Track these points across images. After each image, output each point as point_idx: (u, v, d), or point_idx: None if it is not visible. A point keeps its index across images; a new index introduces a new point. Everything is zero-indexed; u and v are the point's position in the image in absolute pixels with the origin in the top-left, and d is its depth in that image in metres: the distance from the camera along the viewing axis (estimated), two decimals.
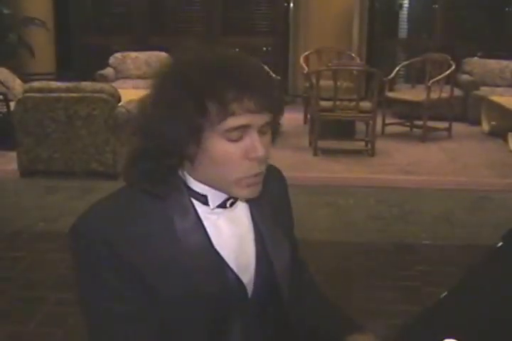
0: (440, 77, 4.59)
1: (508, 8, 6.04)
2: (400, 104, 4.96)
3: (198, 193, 0.77)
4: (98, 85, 3.59)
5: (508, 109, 4.34)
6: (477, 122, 4.99)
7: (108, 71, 5.59)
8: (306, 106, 4.97)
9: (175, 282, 0.74)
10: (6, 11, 5.40)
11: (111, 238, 0.73)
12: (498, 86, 5.37)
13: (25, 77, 4.94)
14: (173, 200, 0.75)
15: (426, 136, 4.62)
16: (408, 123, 4.92)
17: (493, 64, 5.47)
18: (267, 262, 0.81)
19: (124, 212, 0.76)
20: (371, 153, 4.21)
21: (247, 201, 0.82)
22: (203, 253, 0.75)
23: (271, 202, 0.84)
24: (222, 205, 0.78)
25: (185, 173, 0.76)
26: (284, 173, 0.93)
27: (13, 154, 3.63)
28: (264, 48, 6.12)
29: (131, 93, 4.47)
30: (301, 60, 5.09)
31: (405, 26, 6.19)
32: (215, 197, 0.77)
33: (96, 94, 3.47)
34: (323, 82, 4.12)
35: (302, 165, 3.84)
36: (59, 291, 2.24)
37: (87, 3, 6.21)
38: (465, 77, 5.37)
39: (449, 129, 4.75)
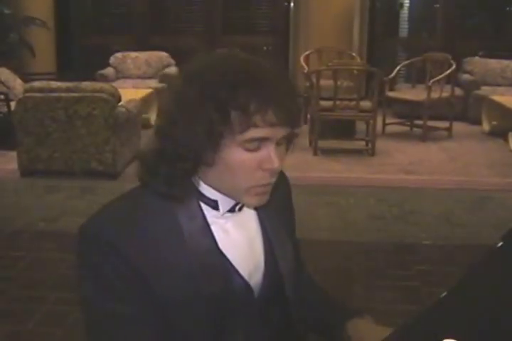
0: (441, 76, 4.58)
1: (509, 7, 6.03)
2: (401, 103, 4.95)
3: (208, 198, 0.77)
4: (98, 85, 3.59)
5: (509, 108, 4.33)
6: (478, 122, 4.98)
7: (108, 71, 5.60)
8: (306, 105, 4.97)
9: (179, 284, 0.74)
10: (6, 11, 5.40)
11: (118, 240, 0.73)
12: (499, 85, 5.36)
13: (26, 77, 4.94)
14: (183, 203, 0.76)
15: (426, 136, 4.62)
16: (408, 123, 4.92)
17: (494, 63, 5.46)
18: (274, 263, 0.83)
19: (134, 214, 0.76)
20: (371, 152, 4.20)
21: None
22: (209, 257, 0.76)
23: (275, 203, 0.84)
24: (232, 210, 0.79)
25: (198, 178, 0.77)
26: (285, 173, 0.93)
27: (14, 154, 3.63)
28: (265, 48, 6.12)
29: (131, 93, 4.48)
30: (302, 60, 5.09)
31: (406, 26, 6.18)
32: (225, 202, 0.78)
33: (96, 94, 3.47)
34: (323, 82, 4.12)
35: (302, 165, 3.83)
36: (58, 291, 2.24)
37: (87, 3, 6.22)
38: (466, 76, 5.36)
39: (449, 129, 4.74)
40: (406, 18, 6.16)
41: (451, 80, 4.68)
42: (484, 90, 5.18)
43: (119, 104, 3.60)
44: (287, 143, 0.78)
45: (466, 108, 5.18)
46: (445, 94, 4.65)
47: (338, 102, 4.08)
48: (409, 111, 4.89)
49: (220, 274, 0.77)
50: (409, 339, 0.67)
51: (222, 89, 0.69)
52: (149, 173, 0.76)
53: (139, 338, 0.74)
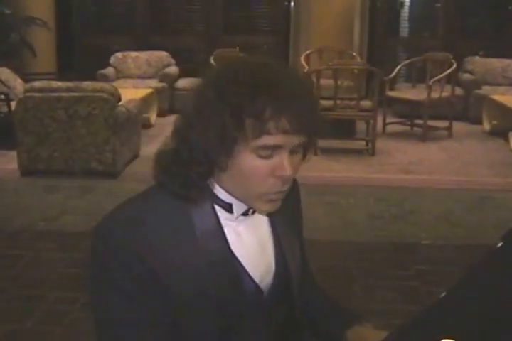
0: (441, 76, 4.58)
1: (510, 6, 6.02)
2: (401, 103, 4.95)
3: (223, 201, 0.78)
4: (98, 85, 3.59)
5: (510, 108, 4.32)
6: (478, 121, 4.97)
7: (109, 70, 5.60)
8: None
9: (189, 284, 0.75)
10: (7, 11, 5.40)
11: (130, 240, 0.74)
12: (499, 85, 5.35)
13: (27, 77, 4.95)
14: (197, 205, 0.77)
15: (426, 136, 4.61)
16: (409, 123, 4.92)
17: (495, 63, 5.45)
18: (284, 266, 0.84)
19: (147, 214, 0.76)
20: (371, 152, 4.20)
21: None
22: (220, 258, 0.77)
23: (287, 207, 0.85)
24: (245, 213, 0.80)
25: (213, 181, 0.78)
26: None
27: (14, 153, 3.64)
28: (265, 47, 6.11)
29: (131, 92, 4.48)
30: (302, 59, 5.09)
31: (406, 25, 6.17)
32: (239, 205, 0.79)
33: (96, 94, 3.47)
34: (323, 81, 4.11)
35: (302, 165, 3.82)
36: (58, 290, 2.24)
37: (88, 3, 6.22)
38: (466, 76, 5.36)
39: (449, 128, 4.74)
40: (406, 18, 6.15)
41: (452, 80, 4.67)
42: (485, 90, 5.17)
43: (119, 103, 3.61)
44: (304, 151, 0.78)
45: (466, 107, 5.17)
46: (445, 94, 4.65)
47: (338, 102, 4.07)
48: (409, 111, 4.88)
49: (231, 276, 0.77)
50: (408, 339, 0.66)
51: (239, 95, 0.70)
52: (165, 173, 0.76)
53: (148, 338, 0.75)
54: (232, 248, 0.78)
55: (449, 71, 4.60)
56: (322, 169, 3.85)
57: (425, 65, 4.97)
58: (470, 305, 0.63)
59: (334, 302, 0.97)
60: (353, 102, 4.10)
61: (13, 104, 3.95)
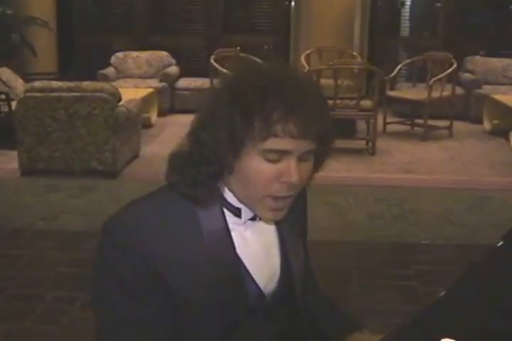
0: (441, 75, 4.57)
1: (511, 6, 6.01)
2: (401, 102, 4.94)
3: (232, 205, 0.78)
4: (98, 84, 3.60)
5: (510, 107, 4.31)
6: (479, 121, 4.96)
7: (109, 70, 5.60)
8: None
9: (193, 285, 0.75)
10: (8, 11, 5.41)
11: (136, 239, 0.74)
12: (500, 84, 5.34)
13: (28, 77, 4.95)
14: (206, 207, 0.77)
15: (427, 135, 4.61)
16: (409, 122, 4.91)
17: (496, 62, 5.44)
18: (288, 271, 0.84)
19: (156, 213, 0.77)
20: (372, 151, 4.19)
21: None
22: (226, 262, 0.77)
23: (294, 212, 0.85)
24: (253, 218, 0.80)
25: (223, 185, 0.78)
26: None
27: (14, 153, 3.64)
28: (266, 47, 6.11)
29: (131, 92, 4.48)
30: (302, 59, 5.08)
31: (407, 24, 6.17)
32: (247, 210, 0.79)
33: (96, 94, 3.47)
34: (323, 81, 4.10)
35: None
36: (57, 289, 2.25)
37: (88, 3, 6.22)
38: (467, 75, 5.35)
39: (450, 128, 4.73)
40: (407, 17, 6.14)
41: (452, 79, 4.66)
42: (485, 89, 5.16)
43: (120, 103, 3.61)
44: (315, 161, 0.78)
45: (467, 107, 5.17)
46: (446, 93, 4.64)
47: (338, 101, 4.06)
48: (409, 110, 4.88)
49: (235, 279, 0.78)
50: (407, 339, 0.66)
51: (250, 96, 0.71)
52: (176, 174, 0.77)
53: (148, 338, 0.75)
54: (238, 252, 0.78)
55: (449, 70, 4.59)
56: (322, 168, 3.84)
57: (426, 64, 4.97)
58: (470, 304, 0.62)
59: (336, 308, 0.97)
60: (354, 102, 4.09)
61: (13, 103, 3.96)
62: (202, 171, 0.74)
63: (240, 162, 0.73)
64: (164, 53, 5.77)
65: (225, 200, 0.78)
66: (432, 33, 6.09)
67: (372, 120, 4.16)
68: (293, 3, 5.91)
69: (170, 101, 5.44)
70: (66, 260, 2.50)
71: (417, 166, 3.93)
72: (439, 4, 5.97)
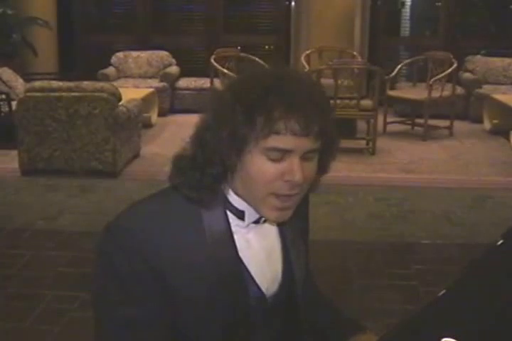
0: (442, 75, 4.57)
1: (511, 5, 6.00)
2: (402, 102, 4.94)
3: (235, 208, 0.78)
4: (99, 84, 3.60)
5: (511, 107, 4.31)
6: (479, 120, 4.96)
7: (110, 70, 5.60)
8: None
9: (194, 287, 0.75)
10: (9, 11, 5.42)
11: (139, 240, 0.74)
12: (501, 84, 5.33)
13: (28, 77, 4.96)
14: (209, 209, 0.77)
15: (427, 135, 4.61)
16: (409, 122, 4.91)
17: (496, 62, 5.43)
18: (290, 273, 0.84)
19: (159, 215, 0.77)
20: (372, 151, 4.19)
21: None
22: (228, 264, 0.77)
23: (297, 215, 0.84)
24: (257, 221, 0.80)
25: (228, 187, 0.78)
26: None
27: (15, 153, 3.65)
28: (266, 47, 6.11)
29: (132, 92, 4.48)
30: (303, 59, 5.08)
31: (407, 24, 6.17)
32: (251, 213, 0.79)
33: (96, 93, 3.47)
34: (324, 81, 4.10)
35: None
36: (57, 289, 2.25)
37: (89, 2, 6.22)
38: (467, 75, 5.34)
39: (450, 128, 4.73)
40: (407, 17, 6.14)
41: (453, 79, 4.66)
42: (486, 89, 5.16)
43: (120, 103, 3.61)
44: (320, 162, 0.77)
45: (467, 107, 5.16)
46: (446, 93, 4.64)
47: (338, 101, 4.07)
48: (410, 110, 4.88)
49: (237, 281, 0.78)
50: (407, 338, 0.66)
51: (252, 94, 0.72)
52: (179, 176, 0.77)
53: (147, 338, 0.75)
54: (240, 254, 0.78)
55: (449, 70, 4.59)
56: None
57: (426, 64, 4.97)
58: (469, 303, 0.62)
59: (337, 311, 0.98)
60: (354, 102, 4.10)
61: (14, 103, 3.97)
62: (206, 173, 0.74)
63: (242, 161, 0.73)
64: (164, 53, 5.77)
65: (229, 203, 0.78)
66: (433, 33, 6.09)
67: (372, 120, 4.16)
68: (293, 3, 5.91)
69: (170, 101, 5.45)
70: (66, 259, 2.50)
71: (417, 166, 3.93)
72: (440, 4, 5.96)
